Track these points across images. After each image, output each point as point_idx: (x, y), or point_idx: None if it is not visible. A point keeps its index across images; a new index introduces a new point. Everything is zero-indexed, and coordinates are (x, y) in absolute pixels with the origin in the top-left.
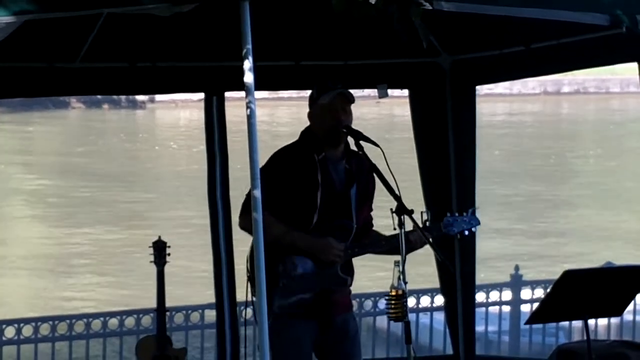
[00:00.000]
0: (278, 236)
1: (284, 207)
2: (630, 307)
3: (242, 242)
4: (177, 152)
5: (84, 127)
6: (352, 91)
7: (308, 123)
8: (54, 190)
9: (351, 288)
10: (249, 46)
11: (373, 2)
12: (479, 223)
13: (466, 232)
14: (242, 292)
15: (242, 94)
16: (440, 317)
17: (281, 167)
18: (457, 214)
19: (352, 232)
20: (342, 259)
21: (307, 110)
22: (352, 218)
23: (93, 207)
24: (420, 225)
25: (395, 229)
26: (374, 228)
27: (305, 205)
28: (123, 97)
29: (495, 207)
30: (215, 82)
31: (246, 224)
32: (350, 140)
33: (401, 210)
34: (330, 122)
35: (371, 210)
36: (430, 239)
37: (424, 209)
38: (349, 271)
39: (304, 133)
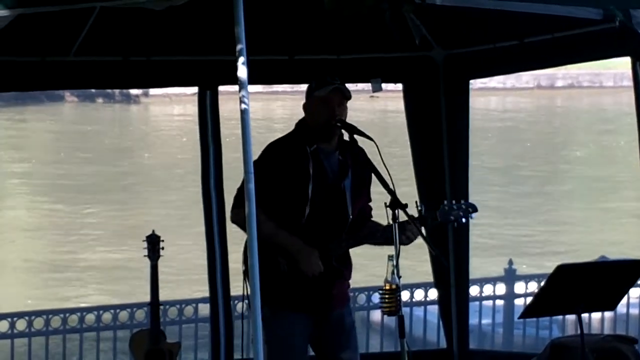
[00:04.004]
0: (267, 236)
1: (276, 200)
2: (624, 300)
3: (235, 236)
4: (175, 145)
5: (78, 121)
6: (345, 85)
7: (302, 117)
8: (47, 183)
9: (350, 282)
10: (243, 41)
11: None
12: (476, 210)
13: (463, 220)
14: (236, 286)
15: (236, 88)
16: (434, 310)
17: (273, 160)
18: (453, 202)
19: (347, 223)
20: (318, 273)
21: (301, 104)
22: (347, 209)
23: (87, 199)
24: (416, 215)
25: (389, 222)
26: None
27: (297, 198)
28: (117, 91)
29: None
30: (209, 76)
31: (238, 218)
32: (345, 134)
33: (395, 204)
34: (324, 115)
35: (369, 200)
36: (424, 233)
37: (417, 202)
38: (346, 263)
39: (299, 124)
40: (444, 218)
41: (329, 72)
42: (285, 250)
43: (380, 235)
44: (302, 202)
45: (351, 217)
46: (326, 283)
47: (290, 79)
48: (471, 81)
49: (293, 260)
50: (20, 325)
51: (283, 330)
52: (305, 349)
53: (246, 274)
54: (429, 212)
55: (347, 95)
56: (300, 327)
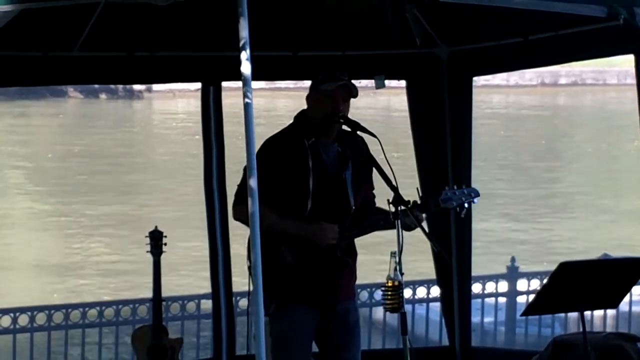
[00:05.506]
0: (270, 226)
1: (277, 195)
2: (627, 298)
3: (238, 229)
4: (181, 141)
5: (81, 116)
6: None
7: (302, 109)
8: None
9: (357, 274)
10: (247, 37)
11: None
12: (478, 194)
13: (466, 205)
14: (239, 282)
15: (240, 84)
16: (436, 308)
17: (271, 155)
18: (455, 187)
19: (350, 214)
20: (339, 240)
21: (304, 100)
22: (349, 200)
23: (91, 194)
24: (418, 201)
25: (392, 219)
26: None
27: (298, 192)
28: (120, 87)
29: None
30: (212, 72)
31: (240, 215)
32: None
33: (398, 201)
34: (328, 109)
35: (372, 188)
36: (427, 230)
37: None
38: (350, 253)
39: (298, 117)
40: (446, 203)
41: (339, 67)
42: (292, 236)
43: (383, 224)
44: (303, 196)
45: (354, 207)
46: (332, 274)
47: (293, 75)
48: (474, 78)
49: (301, 245)
50: (23, 320)
51: (289, 323)
52: (309, 343)
53: (251, 270)
54: (431, 198)
55: (354, 93)
56: (306, 321)
